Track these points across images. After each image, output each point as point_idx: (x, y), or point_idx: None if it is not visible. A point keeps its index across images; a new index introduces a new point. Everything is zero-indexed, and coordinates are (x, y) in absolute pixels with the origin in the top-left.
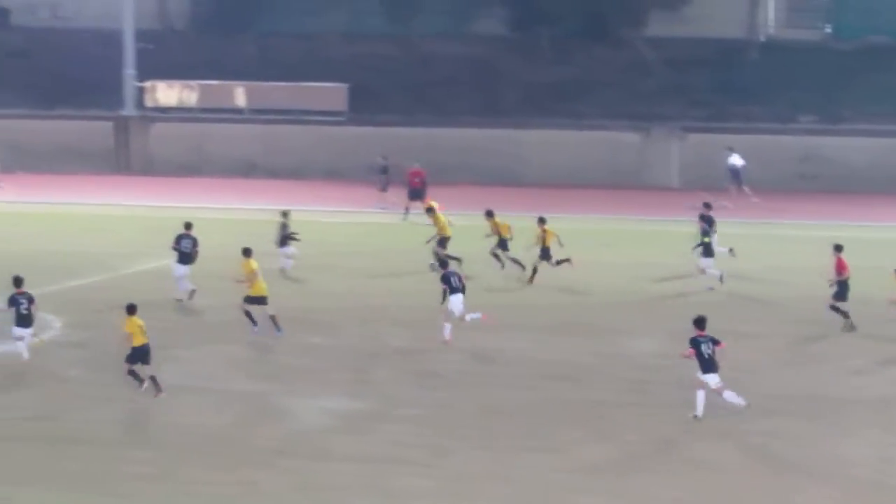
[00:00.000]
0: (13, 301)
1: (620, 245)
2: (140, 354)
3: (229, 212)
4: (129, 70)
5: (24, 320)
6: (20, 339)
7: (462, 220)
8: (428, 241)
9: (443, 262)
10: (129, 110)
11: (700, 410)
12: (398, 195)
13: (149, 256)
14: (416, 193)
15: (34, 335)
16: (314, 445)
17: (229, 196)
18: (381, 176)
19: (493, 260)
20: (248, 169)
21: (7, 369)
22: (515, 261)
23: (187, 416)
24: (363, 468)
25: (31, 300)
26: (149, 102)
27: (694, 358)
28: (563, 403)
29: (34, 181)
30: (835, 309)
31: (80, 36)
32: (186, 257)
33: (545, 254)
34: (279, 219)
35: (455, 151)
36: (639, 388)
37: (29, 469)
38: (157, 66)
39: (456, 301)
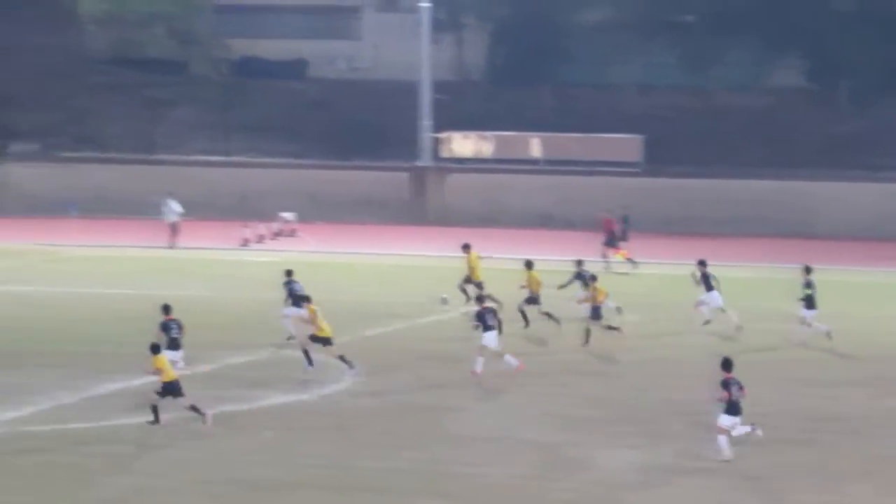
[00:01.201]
0: (165, 327)
1: None
2: (171, 389)
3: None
4: (426, 121)
5: (175, 344)
6: (174, 362)
7: (751, 272)
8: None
9: (480, 297)
10: (424, 161)
11: (727, 453)
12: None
13: (444, 306)
14: (611, 242)
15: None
16: (607, 498)
17: (525, 247)
18: (622, 226)
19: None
20: (543, 220)
21: (302, 417)
22: (548, 314)
23: (480, 467)
24: None
25: (180, 326)
26: (444, 153)
27: (726, 401)
28: (848, 456)
29: (331, 231)
30: None
31: (376, 87)
32: (300, 300)
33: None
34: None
35: (748, 203)
36: None
37: None
38: (453, 117)
39: (490, 337)
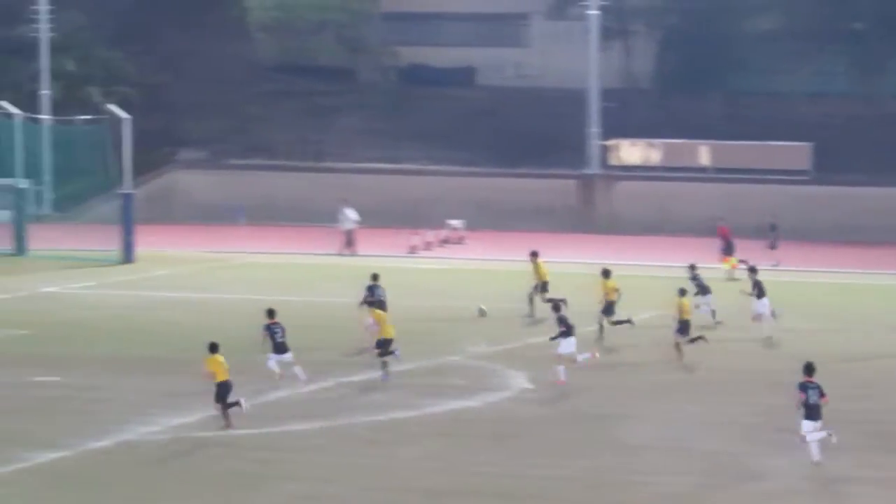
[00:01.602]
0: (269, 330)
1: None
2: (224, 390)
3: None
4: (594, 128)
5: (280, 347)
6: (288, 364)
7: None
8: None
9: (556, 305)
10: (592, 169)
11: (817, 457)
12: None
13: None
14: (727, 249)
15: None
16: None
17: (691, 255)
18: (771, 234)
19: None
20: (711, 228)
21: (469, 424)
22: (619, 322)
23: (649, 475)
24: None
25: (283, 329)
26: (612, 161)
27: (802, 404)
28: None
29: (498, 238)
30: None
31: (544, 95)
32: (383, 305)
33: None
34: None
35: None
36: None
37: None
38: (621, 124)
39: (568, 344)
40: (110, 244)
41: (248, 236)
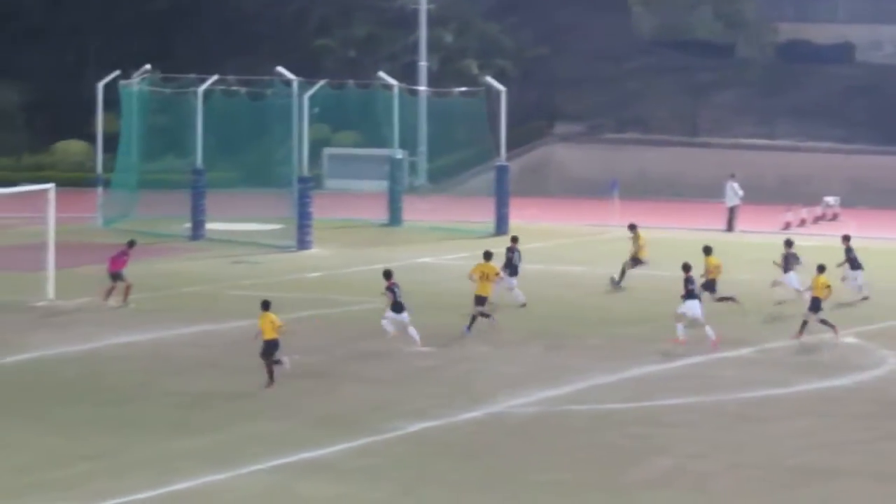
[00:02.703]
0: (391, 290)
1: None
2: (270, 348)
3: None
4: None
5: (398, 307)
6: (400, 322)
7: None
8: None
9: (685, 265)
10: None
11: None
12: None
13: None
14: None
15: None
16: None
17: None
18: None
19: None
20: None
21: (839, 403)
22: (724, 298)
23: None
24: None
25: (400, 289)
26: None
27: None
28: None
29: (874, 216)
30: None
31: None
32: (516, 269)
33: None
34: None
35: None
36: None
37: None
38: None
39: (692, 305)
40: (484, 216)
41: (621, 211)
